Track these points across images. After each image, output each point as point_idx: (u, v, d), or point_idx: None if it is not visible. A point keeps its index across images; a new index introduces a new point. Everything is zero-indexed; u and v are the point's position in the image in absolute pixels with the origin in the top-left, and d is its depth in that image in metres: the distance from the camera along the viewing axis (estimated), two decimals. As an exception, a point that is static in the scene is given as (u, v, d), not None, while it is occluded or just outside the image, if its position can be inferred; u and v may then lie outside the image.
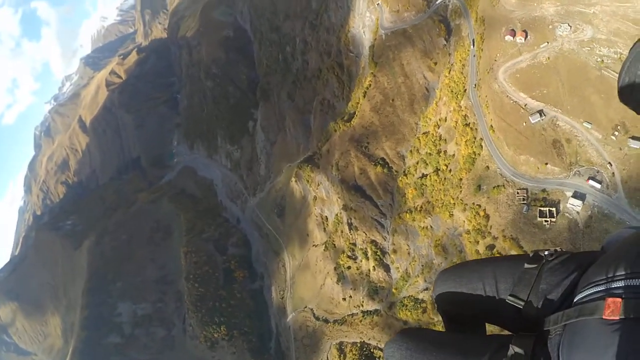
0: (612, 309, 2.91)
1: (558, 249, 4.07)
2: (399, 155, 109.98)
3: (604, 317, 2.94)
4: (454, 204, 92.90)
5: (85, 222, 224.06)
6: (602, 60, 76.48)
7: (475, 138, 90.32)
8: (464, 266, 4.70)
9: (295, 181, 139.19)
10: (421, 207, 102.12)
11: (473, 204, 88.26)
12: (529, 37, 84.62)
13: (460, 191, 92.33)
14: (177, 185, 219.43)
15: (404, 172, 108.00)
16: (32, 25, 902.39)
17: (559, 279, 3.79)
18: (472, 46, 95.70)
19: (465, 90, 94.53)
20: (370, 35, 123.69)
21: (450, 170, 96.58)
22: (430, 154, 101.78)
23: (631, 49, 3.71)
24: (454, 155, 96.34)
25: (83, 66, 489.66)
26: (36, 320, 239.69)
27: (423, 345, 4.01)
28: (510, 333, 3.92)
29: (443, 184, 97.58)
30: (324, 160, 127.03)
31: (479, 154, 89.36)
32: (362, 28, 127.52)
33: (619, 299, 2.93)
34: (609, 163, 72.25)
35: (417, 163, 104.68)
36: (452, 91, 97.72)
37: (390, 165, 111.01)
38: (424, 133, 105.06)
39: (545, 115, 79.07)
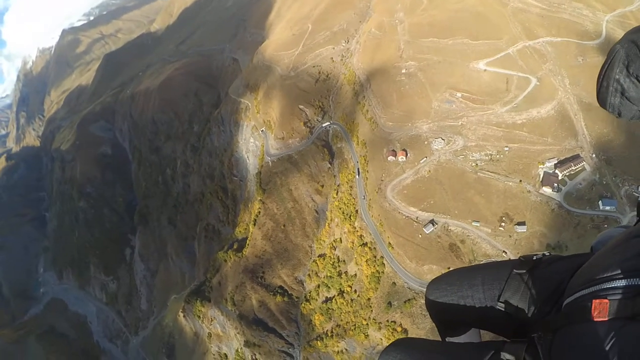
0: (600, 311, 2.77)
1: (546, 253, 3.87)
2: (297, 280, 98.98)
3: (592, 319, 2.79)
4: (367, 324, 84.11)
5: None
6: (477, 164, 79.57)
7: (375, 257, 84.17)
8: (454, 274, 4.34)
9: (184, 316, 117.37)
10: (332, 331, 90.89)
11: (387, 321, 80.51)
12: (409, 155, 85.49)
13: (371, 311, 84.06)
14: (45, 321, 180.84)
15: (306, 297, 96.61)
16: None
17: (547, 283, 3.56)
18: (357, 174, 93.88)
19: (357, 211, 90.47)
20: (255, 160, 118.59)
21: (355, 291, 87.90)
22: (330, 276, 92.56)
23: (609, 52, 3.29)
24: (356, 275, 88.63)
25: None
26: None
27: (416, 354, 3.77)
28: (504, 339, 3.62)
29: (351, 306, 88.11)
30: (215, 293, 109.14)
31: (382, 272, 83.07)
32: (245, 152, 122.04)
33: (606, 300, 2.79)
34: (504, 251, 73.22)
35: (318, 287, 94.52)
36: (343, 213, 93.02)
37: (289, 292, 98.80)
38: (319, 256, 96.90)
39: (437, 223, 78.33)
